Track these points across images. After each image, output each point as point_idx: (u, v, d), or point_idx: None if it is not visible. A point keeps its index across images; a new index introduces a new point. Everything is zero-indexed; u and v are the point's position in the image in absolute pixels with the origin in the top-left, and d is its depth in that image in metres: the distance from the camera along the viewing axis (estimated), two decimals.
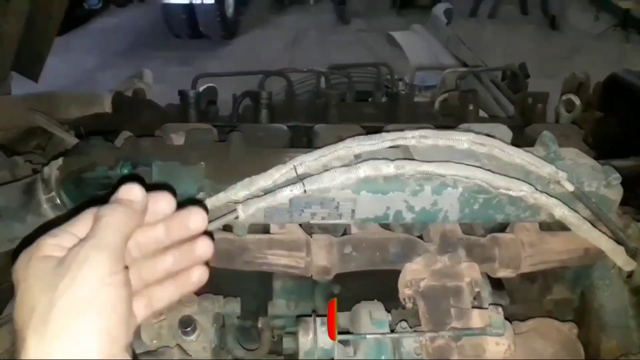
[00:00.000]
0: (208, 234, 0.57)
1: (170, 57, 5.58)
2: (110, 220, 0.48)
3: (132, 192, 0.51)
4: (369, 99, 2.00)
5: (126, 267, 0.48)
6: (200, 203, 0.69)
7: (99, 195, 0.93)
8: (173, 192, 0.55)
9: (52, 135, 1.27)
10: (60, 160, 0.91)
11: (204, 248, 0.56)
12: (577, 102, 1.41)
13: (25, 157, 1.24)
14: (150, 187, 0.54)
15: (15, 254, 0.48)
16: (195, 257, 0.56)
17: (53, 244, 0.47)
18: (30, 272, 0.45)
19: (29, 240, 0.48)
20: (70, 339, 0.42)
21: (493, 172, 0.83)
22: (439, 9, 3.73)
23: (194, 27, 6.05)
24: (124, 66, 4.90)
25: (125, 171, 0.88)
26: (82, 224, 0.49)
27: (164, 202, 0.54)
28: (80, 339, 0.42)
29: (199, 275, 0.57)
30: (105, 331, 0.44)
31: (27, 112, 1.22)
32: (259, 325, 1.06)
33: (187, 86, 2.10)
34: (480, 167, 0.83)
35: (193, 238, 0.56)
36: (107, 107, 1.36)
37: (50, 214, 0.90)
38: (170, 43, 6.12)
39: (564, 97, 1.44)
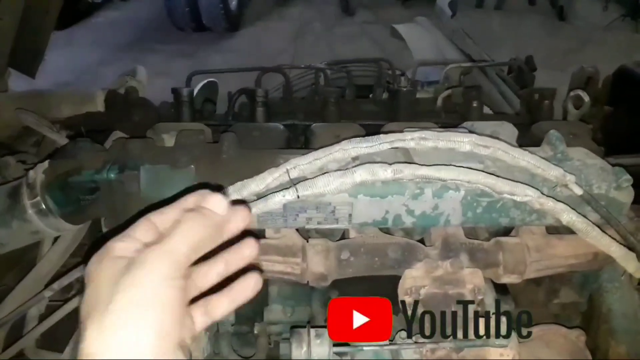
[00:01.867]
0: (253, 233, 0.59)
1: (173, 50, 5.54)
2: (185, 229, 0.51)
3: (218, 205, 0.53)
4: (370, 95, 1.95)
5: (187, 275, 0.50)
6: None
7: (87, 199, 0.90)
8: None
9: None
10: (46, 164, 0.88)
11: (251, 248, 0.58)
12: (586, 98, 1.36)
13: (19, 157, 1.21)
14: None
15: (86, 258, 0.52)
16: (244, 257, 0.58)
17: (122, 247, 0.50)
18: (101, 271, 0.49)
19: (97, 246, 0.52)
20: (125, 332, 0.45)
21: (496, 175, 0.79)
22: (444, 1, 3.66)
23: (198, 20, 6.00)
24: (127, 60, 4.87)
25: (112, 175, 0.85)
26: (141, 230, 0.52)
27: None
28: (134, 332, 0.45)
29: (254, 282, 0.58)
30: (159, 327, 0.46)
31: (17, 112, 1.19)
32: (255, 331, 1.03)
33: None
34: (482, 171, 0.79)
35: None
36: (100, 106, 1.33)
37: (35, 219, 0.86)
38: (173, 36, 6.07)
39: (572, 93, 1.39)
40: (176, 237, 0.50)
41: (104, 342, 0.45)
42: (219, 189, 0.65)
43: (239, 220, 0.56)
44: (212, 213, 0.53)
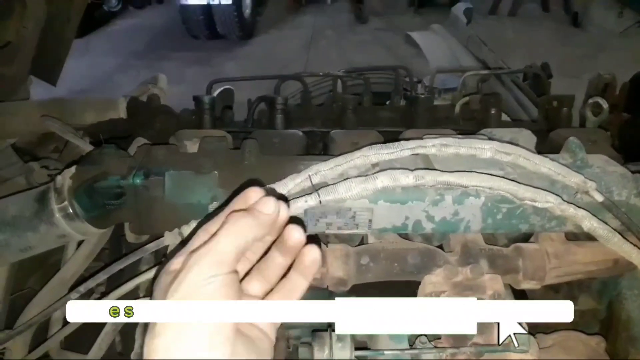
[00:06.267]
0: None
1: (188, 58, 5.62)
2: (230, 229, 0.52)
3: (266, 205, 0.54)
4: (387, 102, 1.96)
5: (234, 272, 0.51)
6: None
7: (113, 204, 0.91)
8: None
9: (68, 140, 1.27)
10: (72, 169, 0.90)
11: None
12: (605, 105, 1.36)
13: (42, 163, 1.24)
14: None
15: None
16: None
17: (176, 262, 0.52)
18: (157, 286, 0.52)
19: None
20: (163, 338, 0.47)
21: (518, 182, 0.79)
22: (459, 9, 3.66)
23: (212, 28, 6.08)
24: (142, 68, 4.95)
25: (138, 181, 0.87)
26: (198, 241, 0.53)
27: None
28: (173, 336, 0.47)
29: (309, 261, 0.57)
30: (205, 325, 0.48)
31: (42, 119, 1.22)
32: None
33: (205, 88, 2.08)
34: (504, 177, 0.79)
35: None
36: (122, 113, 1.35)
37: (62, 223, 0.88)
38: (188, 44, 6.15)
39: (590, 100, 1.38)
40: (221, 239, 0.51)
41: (150, 346, 0.48)
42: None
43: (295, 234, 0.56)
44: (260, 212, 0.53)
